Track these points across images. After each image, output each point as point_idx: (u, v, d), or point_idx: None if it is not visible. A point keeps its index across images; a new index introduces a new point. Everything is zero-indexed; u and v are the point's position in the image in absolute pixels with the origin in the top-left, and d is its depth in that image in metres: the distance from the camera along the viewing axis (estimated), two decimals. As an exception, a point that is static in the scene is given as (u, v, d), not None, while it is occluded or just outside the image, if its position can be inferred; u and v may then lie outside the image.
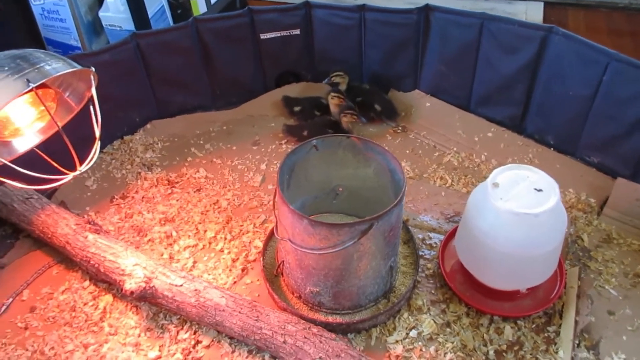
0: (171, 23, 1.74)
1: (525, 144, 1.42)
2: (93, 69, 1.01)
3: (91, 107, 1.09)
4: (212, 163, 1.44)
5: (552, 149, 1.39)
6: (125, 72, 1.37)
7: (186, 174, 1.41)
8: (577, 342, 1.01)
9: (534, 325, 1.05)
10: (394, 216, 0.96)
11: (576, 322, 1.04)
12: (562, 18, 1.95)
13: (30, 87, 0.89)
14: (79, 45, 1.66)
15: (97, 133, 1.05)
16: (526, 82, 1.34)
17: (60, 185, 1.08)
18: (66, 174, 1.04)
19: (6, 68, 0.90)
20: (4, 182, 1.03)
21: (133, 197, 1.35)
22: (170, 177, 1.40)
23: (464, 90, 1.47)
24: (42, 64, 0.93)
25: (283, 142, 1.49)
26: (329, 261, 0.98)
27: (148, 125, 1.52)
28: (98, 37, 1.71)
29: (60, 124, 1.06)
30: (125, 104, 1.44)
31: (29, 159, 1.05)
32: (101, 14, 1.61)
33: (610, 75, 1.18)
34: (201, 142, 1.50)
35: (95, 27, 1.69)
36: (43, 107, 1.03)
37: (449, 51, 1.41)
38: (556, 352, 1.00)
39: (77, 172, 1.03)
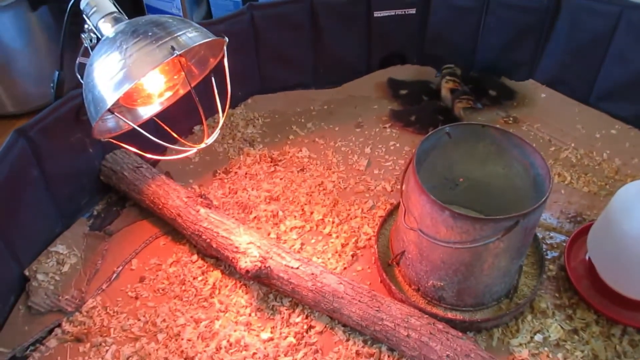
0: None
1: (655, 143, 1.32)
2: (227, 39, 0.98)
3: (212, 79, 1.06)
4: (315, 143, 1.40)
5: (683, 150, 1.29)
6: (237, 45, 1.34)
7: (289, 152, 1.37)
8: None
9: (674, 341, 0.98)
10: (538, 214, 0.90)
11: None
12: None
13: (175, 54, 0.86)
14: (181, 14, 1.63)
15: (223, 105, 1.03)
16: (661, 78, 1.25)
17: (186, 157, 1.06)
18: (192, 146, 1.02)
19: (150, 34, 0.88)
20: (126, 149, 1.02)
21: (236, 173, 1.33)
22: (273, 154, 1.37)
23: (586, 83, 1.37)
24: (180, 33, 0.91)
25: (387, 125, 1.44)
26: (461, 256, 0.93)
27: (249, 100, 1.49)
28: (199, 7, 1.68)
29: (187, 89, 1.04)
30: (231, 77, 1.41)
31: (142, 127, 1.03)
32: (205, -17, 1.59)
33: None
34: (302, 120, 1.46)
35: (197, -3, 1.66)
36: (172, 76, 1.01)
37: (577, 40, 1.31)
38: (701, 373, 0.93)
39: (203, 145, 1.01)
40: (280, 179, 1.31)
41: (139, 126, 0.95)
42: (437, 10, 1.40)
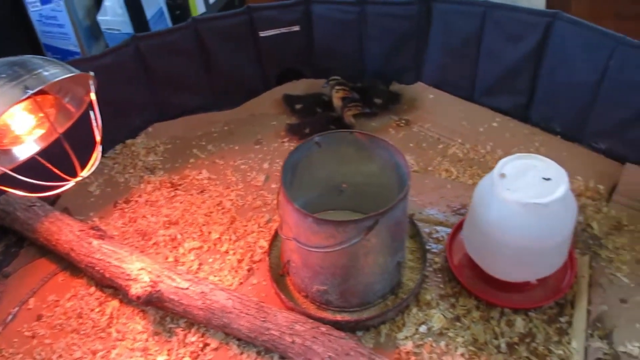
0: (170, 25, 1.72)
1: (532, 132, 1.39)
2: (92, 73, 1.00)
3: (91, 112, 1.08)
4: (215, 164, 1.43)
5: (558, 136, 1.37)
6: (125, 76, 1.36)
7: (189, 175, 1.40)
8: (590, 332, 1.00)
9: (545, 317, 1.03)
10: (399, 211, 0.95)
11: (588, 311, 1.02)
12: (566, 4, 1.92)
13: (28, 94, 0.88)
14: (78, 50, 1.65)
15: (98, 138, 1.05)
16: (531, 70, 1.32)
17: (62, 192, 1.08)
18: (68, 180, 1.03)
19: (3, 75, 0.89)
20: (6, 191, 1.03)
21: (137, 201, 1.34)
22: (173, 179, 1.39)
23: (468, 81, 1.45)
24: (39, 70, 0.93)
25: (285, 140, 1.48)
26: (335, 259, 0.97)
27: (149, 129, 1.51)
28: (97, 42, 1.70)
29: (60, 130, 1.06)
30: (126, 108, 1.43)
31: (30, 166, 1.04)
32: (99, 17, 1.60)
33: (616, 60, 1.16)
34: (203, 143, 1.49)
35: (93, 32, 1.68)
36: (42, 114, 1.03)
37: (451, 42, 1.39)
38: (569, 343, 0.99)
39: (79, 178, 1.03)
40: (180, 202, 1.33)
41: (20, 166, 0.96)
42: (319, 26, 1.45)
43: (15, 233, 1.26)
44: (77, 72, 0.97)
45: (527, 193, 0.92)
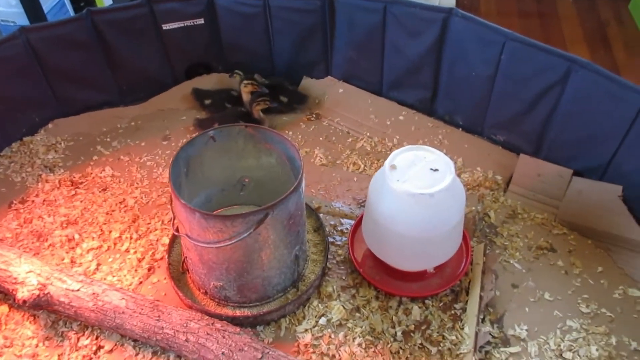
0: (73, 17, 1.65)
1: (435, 125, 1.43)
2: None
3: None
4: (120, 161, 1.38)
5: (460, 129, 1.41)
6: (17, 70, 1.29)
7: (91, 173, 1.35)
8: (482, 317, 1.03)
9: (441, 304, 1.06)
10: (291, 204, 0.94)
11: (481, 297, 1.05)
12: (475, 1, 1.98)
13: None
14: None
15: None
16: (432, 64, 1.35)
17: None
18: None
19: None
20: None
21: (33, 201, 1.28)
22: (74, 177, 1.33)
23: (375, 75, 1.46)
24: None
25: (195, 134, 1.44)
26: (228, 254, 0.95)
27: (50, 125, 1.44)
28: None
29: None
30: (22, 104, 1.36)
31: None
32: (-8, 8, 1.52)
33: (507, 55, 1.20)
34: (108, 139, 1.44)
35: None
36: None
37: (356, 36, 1.40)
38: (462, 329, 1.01)
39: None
40: (80, 201, 1.28)
41: None
42: (224, 19, 1.43)
43: None
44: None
45: (415, 184, 0.94)
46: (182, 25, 1.40)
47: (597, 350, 0.97)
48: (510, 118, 1.28)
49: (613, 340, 0.99)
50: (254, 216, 0.89)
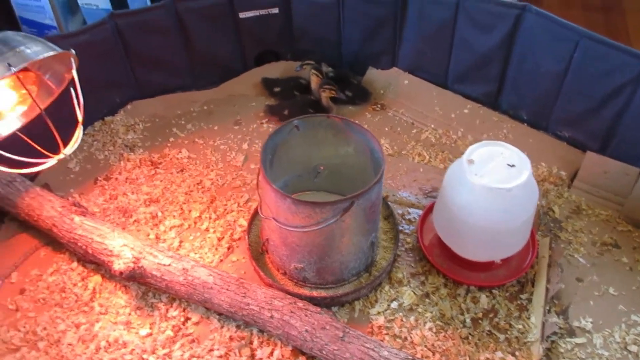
0: (148, 1, 1.72)
1: (500, 120, 1.46)
2: (73, 51, 1.01)
3: (72, 90, 1.09)
4: (195, 143, 1.45)
5: (525, 124, 1.43)
6: (103, 53, 1.37)
7: (169, 154, 1.42)
8: (547, 308, 1.08)
9: (507, 294, 1.11)
10: (373, 194, 1.00)
11: (547, 289, 1.10)
12: (537, -7, 1.98)
13: (12, 72, 0.89)
14: (55, 24, 1.63)
15: (80, 117, 1.06)
16: (501, 59, 1.38)
17: (44, 169, 1.09)
18: (50, 157, 1.05)
19: (-14, 52, 0.90)
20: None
21: (117, 179, 1.36)
22: (153, 157, 1.41)
23: (441, 67, 1.49)
24: (21, 47, 0.94)
25: (264, 121, 1.51)
26: (312, 238, 1.02)
27: (128, 106, 1.52)
28: (74, 16, 1.68)
29: (42, 107, 1.07)
30: (105, 85, 1.44)
31: (11, 142, 1.05)
32: (76, -7, 1.59)
33: (580, 53, 1.22)
34: (182, 122, 1.51)
35: (70, 6, 1.66)
36: (24, 91, 1.03)
37: (426, 29, 1.43)
38: (528, 318, 1.06)
39: (62, 156, 1.04)
40: (160, 181, 1.36)
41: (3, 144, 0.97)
42: (298, 8, 1.48)
43: (-5, 208, 1.27)
44: (58, 50, 0.99)
45: (492, 178, 0.99)
46: (258, 13, 1.45)
47: (661, 345, 1.01)
48: (577, 115, 1.31)
49: (677, 336, 1.03)
50: (341, 204, 0.95)
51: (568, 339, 1.03)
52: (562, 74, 1.27)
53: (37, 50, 0.95)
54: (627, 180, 1.23)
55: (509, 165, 1.01)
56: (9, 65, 0.89)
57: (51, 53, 0.96)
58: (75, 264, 1.18)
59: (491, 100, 1.48)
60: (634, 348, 1.01)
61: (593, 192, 1.27)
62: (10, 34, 0.98)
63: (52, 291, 1.14)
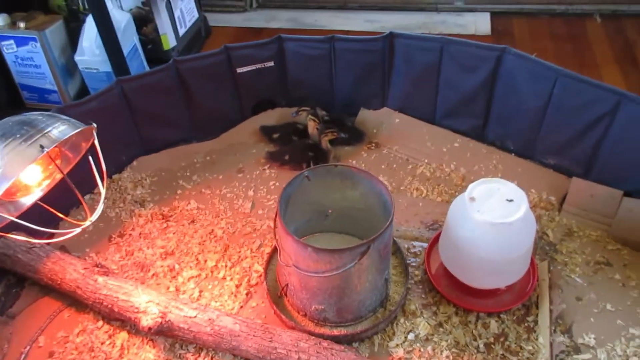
0: (144, 59, 1.79)
1: (489, 151, 1.56)
2: (95, 125, 1.08)
3: (90, 159, 1.15)
4: (202, 194, 1.52)
5: (513, 154, 1.54)
6: (111, 116, 1.43)
7: (178, 206, 1.48)
8: (553, 328, 1.15)
9: (515, 317, 1.19)
10: (386, 235, 1.08)
11: (551, 310, 1.18)
12: (508, 26, 2.12)
13: (44, 151, 0.95)
14: (55, 88, 1.69)
15: (103, 190, 1.12)
16: (485, 96, 1.48)
17: (70, 237, 1.14)
18: (79, 224, 1.10)
19: (18, 136, 0.96)
20: (15, 239, 1.09)
21: (130, 235, 1.41)
22: (164, 211, 1.46)
23: (429, 106, 1.60)
24: (49, 129, 1.00)
25: (266, 167, 1.58)
26: (332, 282, 1.08)
27: (134, 163, 1.58)
28: (72, 78, 1.75)
29: (65, 175, 1.12)
30: (113, 145, 1.49)
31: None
32: (77, 58, 1.65)
33: (559, 89, 1.33)
34: (188, 174, 1.57)
35: (69, 69, 1.73)
36: (47, 166, 1.09)
37: (413, 72, 1.53)
38: (537, 339, 1.14)
39: (88, 223, 1.10)
40: (173, 233, 1.41)
41: (23, 213, 1.02)
42: (292, 61, 1.57)
43: (16, 274, 1.31)
44: (82, 126, 1.05)
45: (494, 214, 1.07)
46: (254, 68, 1.54)
47: (659, 354, 1.10)
48: (561, 144, 1.41)
49: (673, 345, 1.12)
50: (359, 249, 1.03)
51: (575, 356, 1.11)
52: (543, 108, 1.38)
53: (63, 129, 1.02)
54: (612, 202, 1.33)
55: (507, 200, 1.10)
56: (41, 146, 0.95)
57: (77, 131, 1.03)
58: (100, 323, 1.22)
59: (478, 133, 1.58)
60: (635, 360, 1.09)
61: (582, 214, 1.36)
62: (31, 116, 1.04)
63: (81, 351, 1.17)
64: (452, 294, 1.22)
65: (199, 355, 1.16)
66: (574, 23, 2.11)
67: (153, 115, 1.53)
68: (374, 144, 1.63)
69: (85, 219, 1.11)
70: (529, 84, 1.38)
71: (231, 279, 1.30)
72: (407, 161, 1.58)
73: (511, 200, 1.09)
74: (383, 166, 1.57)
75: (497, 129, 1.53)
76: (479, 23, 2.11)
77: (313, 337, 1.11)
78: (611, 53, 1.94)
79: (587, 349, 1.12)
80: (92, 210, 1.39)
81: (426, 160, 1.56)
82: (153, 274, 1.32)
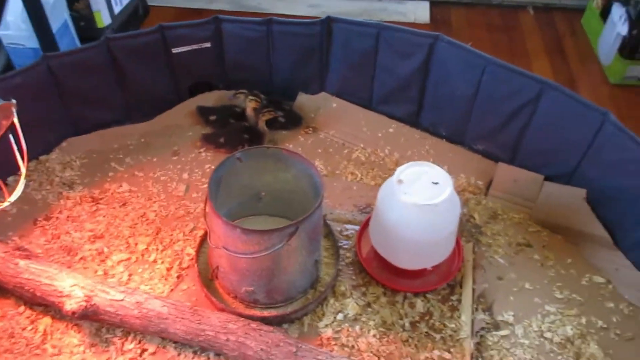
0: (75, 37, 1.73)
1: (422, 137, 1.60)
2: (14, 101, 1.03)
3: (11, 137, 1.11)
4: (134, 176, 1.48)
5: (444, 140, 1.58)
6: (37, 94, 1.37)
7: (109, 189, 1.44)
8: (475, 306, 1.20)
9: (440, 297, 1.23)
10: (315, 217, 1.09)
11: (473, 289, 1.23)
12: (446, 15, 2.16)
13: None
14: (-22, 63, 1.61)
15: (23, 169, 1.08)
16: (419, 82, 1.52)
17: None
18: (-5, 205, 1.06)
19: None
20: None
21: (58, 218, 1.36)
22: (94, 193, 1.42)
23: (366, 91, 1.62)
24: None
25: (202, 150, 1.56)
26: (261, 263, 1.09)
27: (64, 144, 1.52)
28: (-3, 55, 1.66)
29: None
30: (39, 125, 1.43)
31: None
32: (1, 32, 1.57)
33: (487, 76, 1.37)
34: (120, 156, 1.53)
35: (-8, 44, 1.64)
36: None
37: (350, 57, 1.55)
38: (459, 317, 1.19)
39: (6, 204, 1.06)
40: (103, 216, 1.37)
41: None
42: (229, 42, 1.55)
43: None
44: (0, 102, 1.01)
45: (420, 196, 1.10)
46: (190, 48, 1.51)
47: (571, 329, 1.16)
48: (489, 130, 1.46)
49: (583, 320, 1.19)
50: (287, 230, 1.03)
51: (494, 332, 1.16)
52: (473, 95, 1.43)
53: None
54: (534, 186, 1.39)
55: (433, 183, 1.13)
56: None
57: (-8, 104, 0.98)
58: (22, 308, 1.18)
59: (413, 119, 1.61)
60: (549, 335, 1.16)
61: (506, 198, 1.42)
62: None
63: (0, 338, 1.13)
64: (381, 275, 1.25)
65: (126, 339, 1.14)
66: (509, 14, 2.18)
67: (83, 94, 1.48)
68: (311, 128, 1.64)
69: (4, 201, 1.07)
70: (460, 72, 1.42)
71: (162, 262, 1.28)
72: (343, 145, 1.59)
73: (437, 183, 1.13)
74: (319, 150, 1.58)
75: (430, 115, 1.57)
76: (419, 12, 2.14)
77: (242, 319, 1.11)
78: (542, 44, 2.02)
79: (505, 326, 1.18)
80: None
81: (362, 145, 1.58)
82: (81, 258, 1.28)
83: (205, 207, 1.14)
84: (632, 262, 1.26)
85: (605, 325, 1.18)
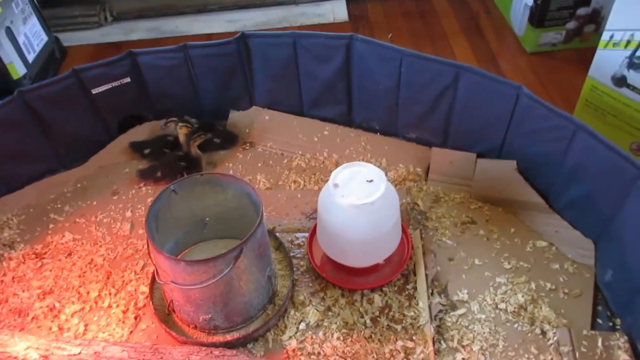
0: (-10, 91, 1.68)
1: (357, 134, 1.62)
2: None
3: None
4: (76, 223, 1.46)
5: (378, 134, 1.61)
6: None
7: (52, 241, 1.41)
8: (430, 291, 1.24)
9: (396, 288, 1.26)
10: (259, 235, 1.10)
11: (426, 275, 1.26)
12: (363, 11, 2.20)
13: None
14: None
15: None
16: (344, 82, 1.54)
17: None
18: None
19: None
20: None
21: (2, 281, 1.33)
22: (37, 249, 1.39)
23: (295, 99, 1.63)
24: None
25: (141, 185, 1.55)
26: (213, 290, 1.09)
27: (-3, 204, 1.49)
28: None
29: None
30: (-34, 188, 1.40)
31: None
32: None
33: (405, 68, 1.41)
34: (59, 205, 1.50)
35: None
36: None
37: (272, 69, 1.56)
38: (417, 304, 1.22)
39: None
40: (50, 270, 1.35)
41: None
42: (149, 74, 1.53)
43: None
44: None
45: (356, 196, 1.12)
46: (111, 86, 1.49)
47: (522, 296, 1.21)
48: (417, 118, 1.50)
49: (533, 285, 1.24)
50: (231, 253, 1.04)
51: (452, 313, 1.20)
52: (395, 87, 1.46)
53: None
54: (469, 165, 1.44)
55: (368, 181, 1.15)
56: None
57: None
58: (-22, 380, 1.15)
59: (345, 119, 1.64)
60: (502, 305, 1.20)
61: (445, 180, 1.47)
62: None
63: (-39, 415, 1.10)
64: (336, 278, 1.27)
65: (92, 391, 1.12)
66: (423, 2, 2.24)
67: (9, 151, 1.44)
68: (248, 144, 1.64)
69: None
70: (380, 66, 1.45)
71: (117, 306, 1.27)
72: (282, 155, 1.61)
73: (371, 181, 1.15)
74: (260, 164, 1.59)
75: (361, 112, 1.60)
76: (337, 11, 2.17)
77: (204, 348, 1.11)
78: (458, 25, 2.08)
79: (462, 304, 1.22)
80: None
81: (300, 152, 1.60)
82: (32, 318, 1.25)
83: (147, 245, 1.13)
84: (568, 222, 1.32)
85: (553, 287, 1.23)
